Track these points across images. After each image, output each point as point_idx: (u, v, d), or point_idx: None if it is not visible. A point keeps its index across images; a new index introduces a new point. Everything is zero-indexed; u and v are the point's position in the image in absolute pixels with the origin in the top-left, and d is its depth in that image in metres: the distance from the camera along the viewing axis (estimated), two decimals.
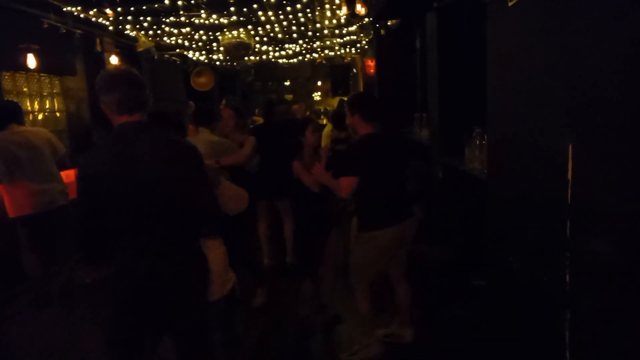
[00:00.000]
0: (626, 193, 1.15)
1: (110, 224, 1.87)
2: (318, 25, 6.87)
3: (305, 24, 6.79)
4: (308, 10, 5.97)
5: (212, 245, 2.33)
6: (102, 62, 6.70)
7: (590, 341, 1.35)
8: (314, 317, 3.41)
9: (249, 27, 6.76)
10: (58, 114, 6.49)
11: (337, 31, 7.38)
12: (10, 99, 5.23)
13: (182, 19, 6.15)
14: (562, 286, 1.42)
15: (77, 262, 4.02)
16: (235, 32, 6.86)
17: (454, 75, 3.81)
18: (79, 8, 5.58)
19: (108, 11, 5.59)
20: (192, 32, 7.08)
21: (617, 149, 1.18)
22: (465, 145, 3.22)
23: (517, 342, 1.86)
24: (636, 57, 1.10)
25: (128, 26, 6.44)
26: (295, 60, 10.55)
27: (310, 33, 7.54)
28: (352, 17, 5.93)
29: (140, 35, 6.96)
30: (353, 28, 7.14)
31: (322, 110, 13.27)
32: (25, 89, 5.83)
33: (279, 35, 7.45)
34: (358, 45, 8.70)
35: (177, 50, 8.58)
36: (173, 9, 5.65)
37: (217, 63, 10.41)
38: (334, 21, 6.55)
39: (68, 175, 4.38)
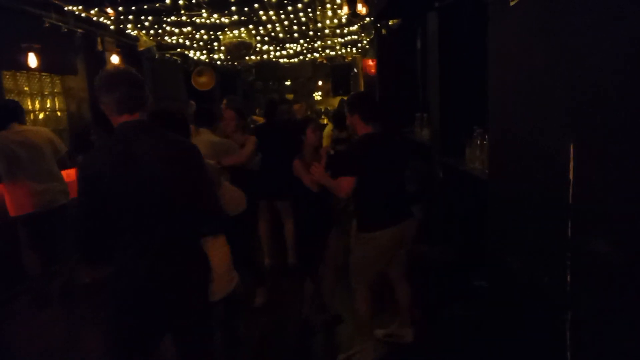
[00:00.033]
0: (627, 193, 1.15)
1: (111, 223, 1.87)
2: (319, 24, 6.86)
3: (306, 24, 6.78)
4: (309, 9, 5.96)
5: (216, 244, 2.32)
6: (103, 61, 6.69)
7: (590, 341, 1.35)
8: (315, 317, 3.41)
9: (250, 26, 6.75)
10: (59, 114, 6.49)
11: (338, 31, 7.38)
12: (11, 98, 5.22)
13: (183, 18, 6.15)
14: (563, 286, 1.42)
15: (77, 261, 4.03)
16: (236, 32, 6.86)
17: (455, 75, 3.80)
18: (80, 7, 5.58)
19: (109, 10, 5.60)
20: (193, 32, 7.08)
21: (618, 149, 1.18)
22: (466, 145, 3.21)
23: (518, 342, 1.86)
24: (636, 57, 1.10)
25: (129, 25, 6.44)
26: (296, 59, 10.55)
27: (311, 33, 7.53)
28: (353, 16, 5.92)
29: (141, 34, 6.96)
30: (354, 28, 7.13)
31: (322, 110, 13.29)
32: (26, 88, 5.82)
33: (280, 35, 7.44)
34: (359, 45, 8.69)
35: (178, 49, 8.57)
36: (174, 9, 5.64)
37: (218, 62, 10.41)
38: (335, 21, 6.54)
39: (68, 174, 4.39)
